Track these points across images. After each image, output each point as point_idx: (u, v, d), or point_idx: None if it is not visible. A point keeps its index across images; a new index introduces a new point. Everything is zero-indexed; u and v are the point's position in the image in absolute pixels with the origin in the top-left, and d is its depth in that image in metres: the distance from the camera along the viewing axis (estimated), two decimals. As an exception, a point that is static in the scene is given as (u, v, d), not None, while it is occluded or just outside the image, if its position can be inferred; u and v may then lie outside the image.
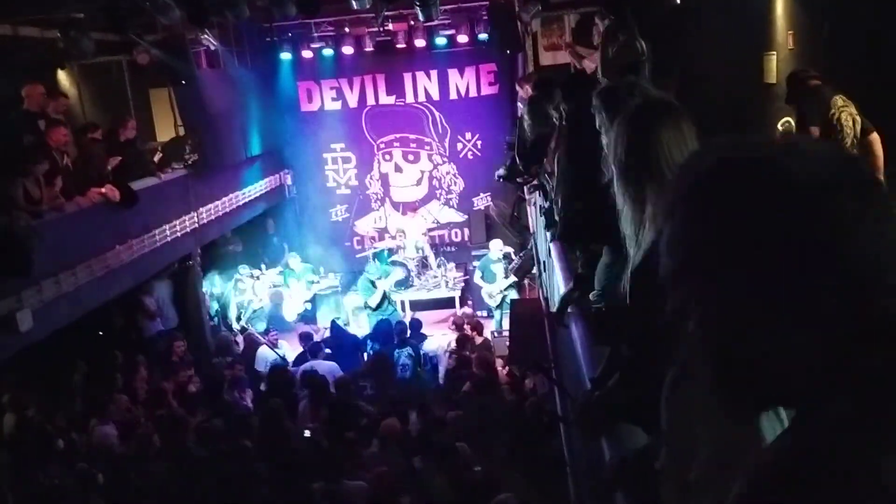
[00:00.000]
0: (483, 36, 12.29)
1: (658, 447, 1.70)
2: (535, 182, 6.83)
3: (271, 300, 12.59)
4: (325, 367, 9.45)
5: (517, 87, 9.97)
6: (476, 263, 12.77)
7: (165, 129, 11.91)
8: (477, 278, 12.42)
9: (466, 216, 14.03)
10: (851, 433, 0.79)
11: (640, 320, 2.11)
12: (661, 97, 2.80)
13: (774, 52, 7.27)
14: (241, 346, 11.00)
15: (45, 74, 9.54)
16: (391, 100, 13.90)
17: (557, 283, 4.66)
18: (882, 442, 0.77)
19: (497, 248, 12.29)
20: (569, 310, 3.66)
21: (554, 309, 4.62)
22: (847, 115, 5.19)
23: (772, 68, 7.31)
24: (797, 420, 0.88)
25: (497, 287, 12.07)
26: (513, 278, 11.73)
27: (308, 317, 12.66)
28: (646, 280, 2.04)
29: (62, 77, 10.45)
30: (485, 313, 12.41)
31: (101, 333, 9.97)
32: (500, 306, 11.98)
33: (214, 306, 11.77)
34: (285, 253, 13.45)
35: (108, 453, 7.26)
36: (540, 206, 6.72)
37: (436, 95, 13.77)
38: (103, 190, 8.15)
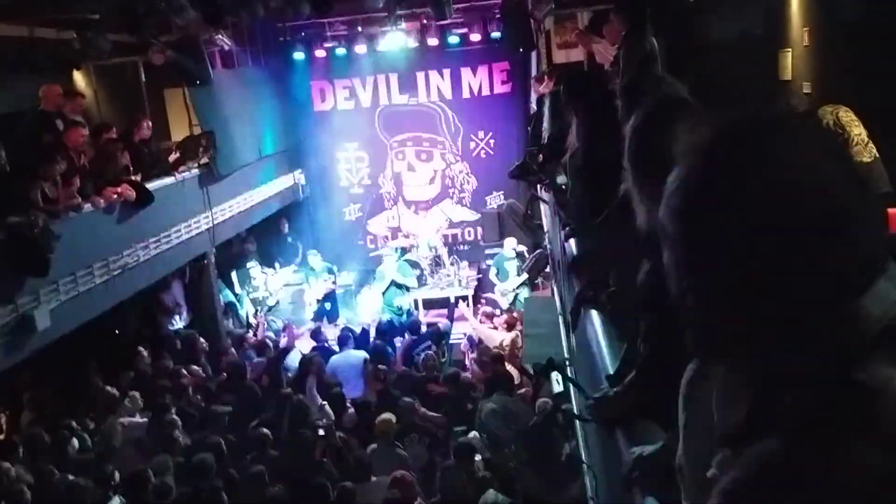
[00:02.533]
0: (496, 34, 12.28)
1: (676, 444, 1.70)
2: (548, 180, 6.81)
3: (292, 298, 12.65)
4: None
5: (533, 86, 9.96)
6: (490, 262, 12.79)
7: (180, 129, 11.97)
8: (492, 275, 12.47)
9: (479, 215, 14.03)
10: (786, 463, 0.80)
11: (656, 317, 2.11)
12: (677, 94, 2.80)
13: (790, 49, 7.23)
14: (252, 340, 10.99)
15: (61, 75, 9.62)
16: (404, 99, 13.91)
17: (572, 281, 4.65)
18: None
19: (511, 245, 12.31)
20: (583, 308, 3.65)
21: (569, 307, 4.61)
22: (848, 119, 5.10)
23: (787, 65, 7.28)
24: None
25: (509, 285, 12.09)
26: (525, 276, 11.74)
27: (329, 315, 12.66)
28: (661, 276, 2.03)
29: (78, 77, 10.53)
30: (498, 312, 12.40)
31: (116, 332, 10.06)
32: (512, 304, 12.01)
33: (229, 299, 11.84)
34: (299, 251, 13.52)
35: (127, 451, 7.33)
36: (554, 203, 6.71)
37: (448, 94, 13.77)
38: (119, 189, 8.21)
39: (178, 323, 10.65)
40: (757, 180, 0.83)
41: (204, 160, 10.26)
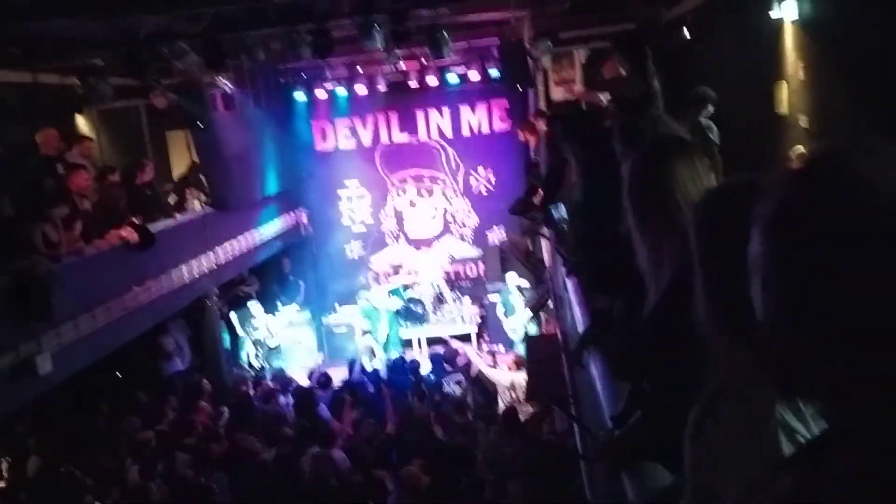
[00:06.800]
0: (494, 72, 12.38)
1: (682, 487, 1.68)
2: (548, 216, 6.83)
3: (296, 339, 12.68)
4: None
5: (534, 121, 10.03)
6: (494, 299, 12.77)
7: (182, 171, 12.05)
8: (500, 313, 12.44)
9: (481, 251, 14.04)
10: (858, 486, 0.78)
11: (661, 357, 2.10)
12: (674, 133, 2.82)
13: (785, 83, 7.28)
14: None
15: (64, 119, 9.71)
16: (404, 137, 14.01)
17: (575, 318, 4.64)
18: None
19: (512, 280, 12.31)
20: (587, 347, 3.63)
21: (572, 345, 4.59)
22: None
23: (783, 98, 7.32)
24: (804, 463, 0.87)
25: (518, 320, 12.06)
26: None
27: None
28: (666, 316, 2.03)
29: (81, 121, 10.63)
30: (503, 348, 12.35)
31: (119, 375, 10.01)
32: (524, 339, 12.02)
33: (229, 344, 11.80)
34: (301, 290, 13.54)
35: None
36: (555, 240, 6.71)
37: (448, 132, 13.87)
38: (122, 233, 8.22)
39: (181, 366, 10.58)
40: (860, 199, 0.78)
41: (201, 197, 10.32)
